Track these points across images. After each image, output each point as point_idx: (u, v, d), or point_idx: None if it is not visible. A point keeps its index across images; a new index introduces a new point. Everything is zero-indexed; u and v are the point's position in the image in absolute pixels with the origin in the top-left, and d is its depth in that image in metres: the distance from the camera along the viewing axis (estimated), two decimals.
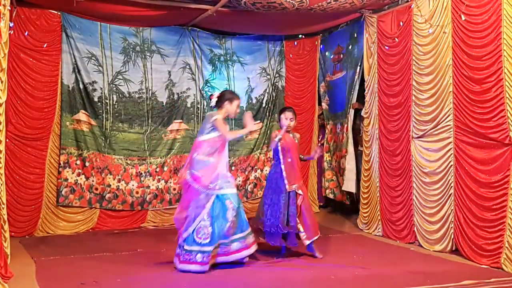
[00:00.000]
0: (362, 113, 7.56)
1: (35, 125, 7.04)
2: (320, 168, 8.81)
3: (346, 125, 7.98)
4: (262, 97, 8.67)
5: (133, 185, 7.71)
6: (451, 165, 5.81)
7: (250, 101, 8.60)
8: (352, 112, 7.89)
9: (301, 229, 5.61)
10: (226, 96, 5.52)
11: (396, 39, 6.67)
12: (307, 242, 5.63)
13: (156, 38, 7.92)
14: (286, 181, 5.65)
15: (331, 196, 8.51)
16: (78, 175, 7.40)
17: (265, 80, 8.68)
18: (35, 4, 6.90)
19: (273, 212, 5.59)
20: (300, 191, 5.68)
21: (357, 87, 7.76)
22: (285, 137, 5.76)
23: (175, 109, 8.07)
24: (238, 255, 5.27)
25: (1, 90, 4.62)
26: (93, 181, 7.48)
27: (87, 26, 7.44)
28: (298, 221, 5.61)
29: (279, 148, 5.73)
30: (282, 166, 5.70)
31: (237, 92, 8.33)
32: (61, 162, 7.28)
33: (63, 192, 7.27)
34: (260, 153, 8.64)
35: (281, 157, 5.73)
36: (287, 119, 5.80)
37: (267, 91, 8.68)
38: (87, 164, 7.46)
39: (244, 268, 5.27)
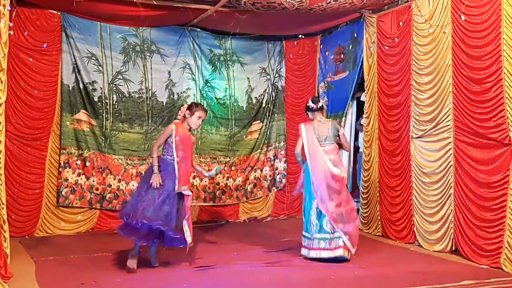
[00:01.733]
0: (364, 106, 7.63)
1: (35, 125, 7.03)
2: None
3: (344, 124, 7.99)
4: (262, 97, 8.67)
5: (133, 185, 7.69)
6: (451, 165, 5.81)
7: (250, 101, 8.60)
8: (354, 109, 7.91)
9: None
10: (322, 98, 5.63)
11: (396, 39, 6.67)
12: (182, 245, 5.33)
13: (156, 38, 7.92)
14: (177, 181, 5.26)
15: None
16: (79, 175, 7.40)
17: (265, 80, 8.69)
18: (35, 4, 6.90)
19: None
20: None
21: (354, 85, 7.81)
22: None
23: (175, 109, 8.05)
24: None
25: (1, 90, 4.63)
26: (93, 181, 7.48)
27: (87, 26, 7.44)
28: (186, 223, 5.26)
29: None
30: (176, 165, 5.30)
31: (237, 92, 8.48)
32: (61, 162, 7.27)
33: (63, 193, 7.27)
34: (259, 153, 8.64)
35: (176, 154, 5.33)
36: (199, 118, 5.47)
37: (267, 91, 8.68)
38: (87, 164, 7.46)
39: (244, 268, 5.27)
